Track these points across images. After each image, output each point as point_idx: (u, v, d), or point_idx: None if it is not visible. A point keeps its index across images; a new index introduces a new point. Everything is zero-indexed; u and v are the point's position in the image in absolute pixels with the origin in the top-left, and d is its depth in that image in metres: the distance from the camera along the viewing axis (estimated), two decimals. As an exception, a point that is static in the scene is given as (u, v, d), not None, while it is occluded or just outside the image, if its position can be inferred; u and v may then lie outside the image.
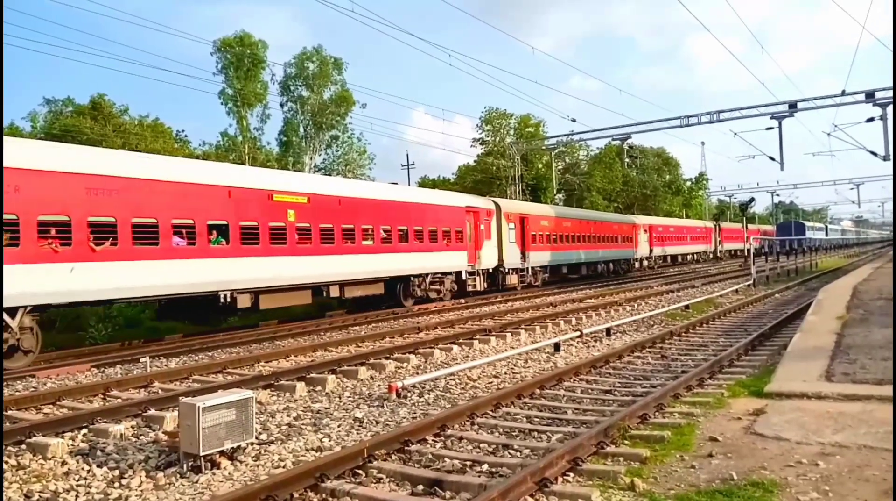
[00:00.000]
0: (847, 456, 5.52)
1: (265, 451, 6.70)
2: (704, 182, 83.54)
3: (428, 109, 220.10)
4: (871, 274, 26.39)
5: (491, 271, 26.67)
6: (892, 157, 32.30)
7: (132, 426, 7.78)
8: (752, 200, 53.73)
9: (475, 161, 53.97)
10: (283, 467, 6.20)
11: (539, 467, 5.32)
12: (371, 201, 20.19)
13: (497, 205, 27.91)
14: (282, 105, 40.83)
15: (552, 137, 50.91)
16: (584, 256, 35.87)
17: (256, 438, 6.84)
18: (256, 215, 16.10)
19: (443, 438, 6.86)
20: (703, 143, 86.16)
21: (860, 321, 12.70)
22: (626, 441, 6.40)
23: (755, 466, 5.43)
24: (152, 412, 8.29)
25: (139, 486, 5.86)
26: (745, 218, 48.71)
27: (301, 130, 41.07)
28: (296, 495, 5.32)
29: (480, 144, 53.87)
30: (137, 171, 13.68)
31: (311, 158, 41.24)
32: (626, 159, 59.23)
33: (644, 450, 5.95)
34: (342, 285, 18.77)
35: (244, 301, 15.71)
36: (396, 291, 21.43)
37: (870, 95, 32.03)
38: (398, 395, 8.92)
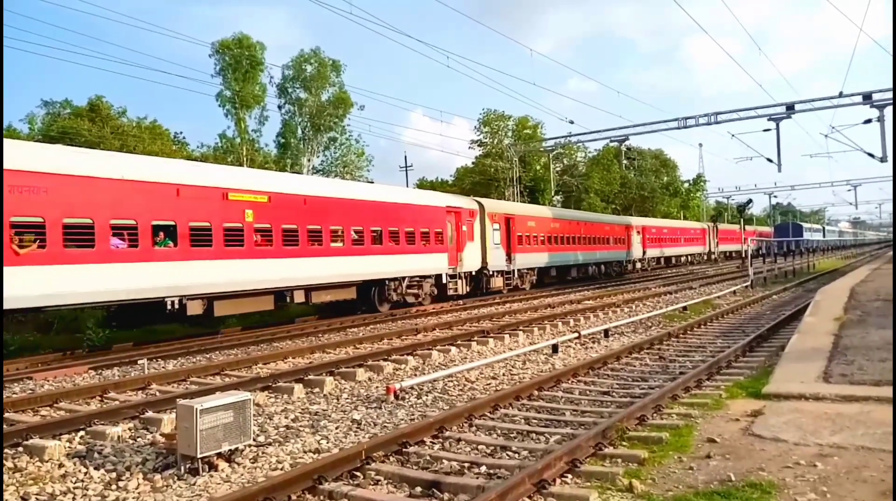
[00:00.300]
0: (845, 457, 5.53)
1: (263, 453, 6.69)
2: (702, 184, 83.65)
3: (426, 111, 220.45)
4: (869, 275, 26.44)
5: (474, 273, 25.67)
6: (889, 158, 32.39)
7: (129, 429, 7.76)
8: (750, 201, 53.88)
9: (473, 163, 54.03)
10: (281, 469, 6.19)
11: (537, 468, 5.32)
12: (340, 201, 19.08)
13: (480, 205, 26.92)
14: (280, 107, 40.89)
15: (550, 138, 50.91)
16: (575, 258, 35.07)
17: (254, 440, 6.84)
18: (209, 215, 14.97)
19: (441, 440, 6.85)
20: (700, 144, 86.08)
21: (858, 322, 12.72)
22: (624, 443, 6.40)
23: (753, 467, 5.44)
24: (150, 414, 8.27)
25: (136, 488, 5.85)
26: (742, 219, 48.79)
27: (299, 131, 41.08)
28: (293, 497, 5.31)
29: (479, 145, 53.94)
30: (70, 167, 12.59)
31: (309, 160, 41.24)
32: (624, 161, 59.23)
33: (642, 452, 5.95)
34: (308, 289, 17.78)
35: (195, 308, 14.71)
36: (371, 295, 20.46)
37: (867, 97, 32.08)
38: (396, 397, 8.91)
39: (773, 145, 35.50)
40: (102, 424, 7.79)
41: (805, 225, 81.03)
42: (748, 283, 27.13)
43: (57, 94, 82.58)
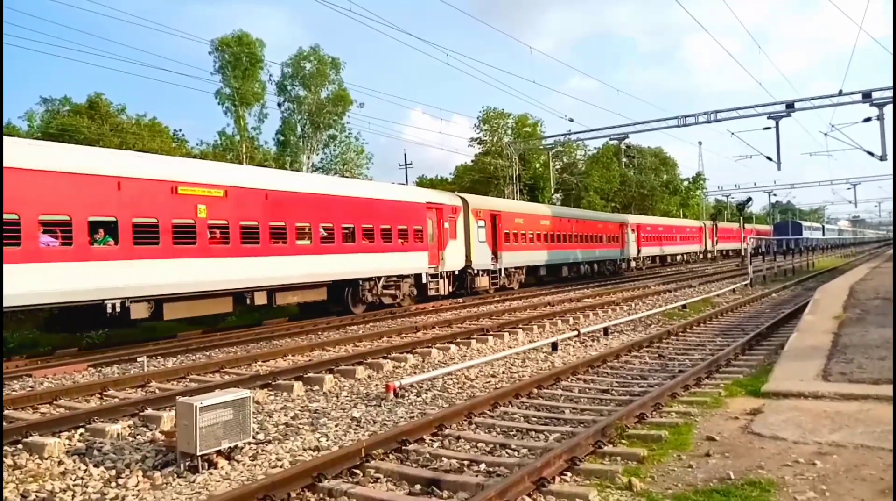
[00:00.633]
0: (844, 456, 5.53)
1: (262, 451, 6.69)
2: (701, 182, 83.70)
3: (426, 109, 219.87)
4: (868, 274, 26.45)
5: (457, 273, 24.60)
6: (889, 157, 32.40)
7: (129, 426, 7.76)
8: (750, 199, 53.96)
9: (473, 161, 54.04)
10: (281, 466, 6.20)
11: (536, 466, 5.32)
12: (307, 196, 17.89)
13: (464, 201, 25.96)
14: (279, 105, 40.87)
15: (550, 136, 51.01)
16: (566, 256, 34.02)
17: (254, 437, 6.84)
18: (156, 211, 13.90)
19: (440, 437, 6.86)
20: (700, 143, 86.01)
21: (857, 320, 12.72)
22: (623, 441, 6.40)
23: (752, 465, 5.44)
24: (149, 411, 8.27)
25: (136, 486, 5.84)
26: (741, 218, 48.81)
27: (298, 129, 41.09)
28: (293, 495, 5.31)
29: (478, 143, 53.97)
30: None
31: (308, 158, 41.25)
32: (624, 159, 59.36)
33: (641, 450, 5.95)
34: (271, 290, 16.65)
35: (140, 311, 13.63)
36: (344, 296, 19.39)
37: (867, 96, 32.11)
38: (396, 394, 8.92)
39: (773, 144, 35.61)
40: (102, 421, 7.79)
41: (804, 223, 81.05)
42: (747, 281, 27.14)
43: (56, 91, 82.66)
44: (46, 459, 6.64)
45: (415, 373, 10.62)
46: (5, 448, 6.91)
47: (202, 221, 14.86)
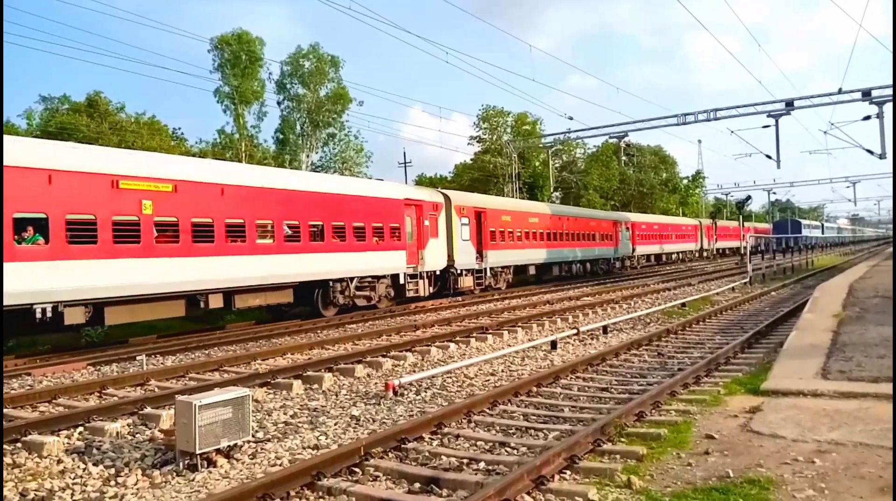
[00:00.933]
0: (843, 454, 5.53)
1: (262, 449, 6.69)
2: (701, 180, 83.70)
3: (425, 107, 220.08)
4: (867, 272, 26.46)
5: (439, 272, 23.62)
6: (888, 155, 32.41)
7: (128, 425, 7.76)
8: (749, 198, 53.95)
9: (472, 159, 53.98)
10: (280, 465, 6.20)
11: (536, 465, 5.32)
12: (269, 191, 16.72)
13: (446, 197, 24.83)
14: (279, 103, 40.85)
15: (549, 134, 51.00)
16: (556, 255, 32.78)
17: (253, 436, 6.83)
18: (93, 207, 12.79)
19: (440, 436, 6.86)
20: (699, 141, 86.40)
21: (856, 318, 12.73)
22: (622, 439, 6.40)
23: (751, 463, 5.44)
24: (148, 410, 8.27)
25: (135, 484, 5.84)
26: (741, 216, 48.82)
27: (298, 127, 41.06)
28: (292, 493, 5.31)
29: (478, 142, 53.90)
30: None
31: (307, 156, 41.24)
32: (623, 157, 59.33)
33: (641, 448, 5.96)
34: (228, 292, 15.59)
35: (75, 316, 12.59)
36: (314, 298, 18.43)
37: (866, 94, 32.12)
38: (395, 393, 8.92)
39: (773, 142, 35.68)
40: (101, 420, 7.79)
41: (804, 222, 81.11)
42: (747, 279, 27.16)
43: (55, 89, 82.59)
44: (45, 458, 6.64)
45: (414, 371, 10.62)
46: (5, 446, 6.91)
47: (148, 218, 13.80)
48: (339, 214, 18.88)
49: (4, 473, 6.22)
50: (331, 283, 18.66)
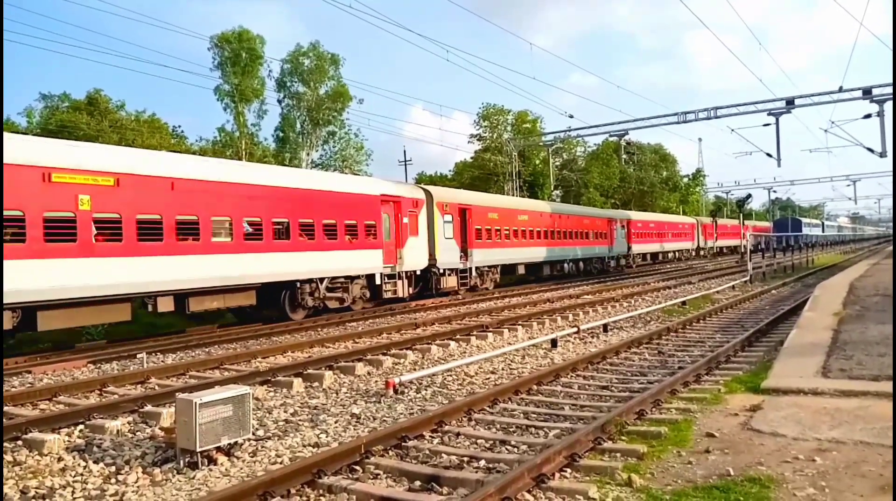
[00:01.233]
0: (844, 452, 5.53)
1: (262, 447, 6.69)
2: (701, 178, 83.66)
3: (426, 106, 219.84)
4: (868, 270, 26.45)
5: (420, 272, 22.58)
6: (889, 153, 32.40)
7: (129, 423, 7.76)
8: (749, 196, 53.98)
9: (472, 157, 53.95)
10: (280, 463, 6.20)
11: (536, 463, 5.32)
12: (227, 185, 15.55)
13: (428, 193, 23.73)
14: (279, 101, 40.82)
15: (549, 133, 50.97)
16: (547, 254, 31.61)
17: (253, 434, 6.84)
18: (20, 202, 11.72)
19: (440, 434, 6.86)
20: (700, 139, 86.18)
21: (856, 317, 12.72)
22: (623, 437, 6.40)
23: (752, 462, 5.44)
24: (149, 408, 8.27)
25: (136, 482, 5.84)
26: (741, 214, 48.78)
27: (298, 125, 41.04)
28: (293, 491, 5.31)
29: (478, 140, 53.86)
30: None
31: (308, 154, 41.23)
32: (624, 156, 59.22)
33: (641, 446, 5.96)
34: (180, 295, 14.60)
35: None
36: (280, 300, 17.40)
37: (867, 92, 32.09)
38: (395, 391, 8.92)
39: (773, 140, 35.64)
40: (102, 418, 7.79)
41: (804, 220, 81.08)
42: (747, 278, 27.15)
43: (55, 87, 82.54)
44: (46, 455, 6.64)
45: (414, 370, 10.61)
46: (5, 444, 6.91)
47: (85, 214, 12.71)
48: (307, 210, 17.79)
49: (5, 471, 6.22)
50: (298, 284, 17.64)
